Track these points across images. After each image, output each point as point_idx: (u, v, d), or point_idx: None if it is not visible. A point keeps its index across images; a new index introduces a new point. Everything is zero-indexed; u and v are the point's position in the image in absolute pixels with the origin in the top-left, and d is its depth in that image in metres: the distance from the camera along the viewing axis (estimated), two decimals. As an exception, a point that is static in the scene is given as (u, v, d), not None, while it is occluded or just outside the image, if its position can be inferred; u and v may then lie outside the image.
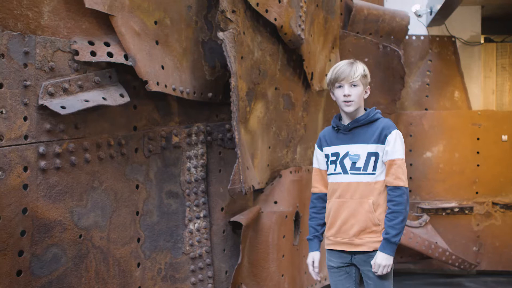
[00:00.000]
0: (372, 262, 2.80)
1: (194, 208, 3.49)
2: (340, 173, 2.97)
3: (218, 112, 3.77)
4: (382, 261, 2.76)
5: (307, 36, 4.43)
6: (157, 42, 3.15)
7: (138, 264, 3.09)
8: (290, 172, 4.56)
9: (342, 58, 5.53)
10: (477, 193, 6.36)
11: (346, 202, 2.93)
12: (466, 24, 6.39)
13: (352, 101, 2.91)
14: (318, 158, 3.14)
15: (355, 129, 2.95)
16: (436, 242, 5.78)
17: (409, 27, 5.92)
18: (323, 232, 3.09)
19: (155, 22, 3.15)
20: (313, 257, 3.08)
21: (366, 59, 5.64)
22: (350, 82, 2.91)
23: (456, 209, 6.25)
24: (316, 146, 3.16)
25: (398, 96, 5.78)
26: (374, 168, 2.88)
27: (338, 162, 2.98)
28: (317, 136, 5.36)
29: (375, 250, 2.82)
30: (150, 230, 3.20)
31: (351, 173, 2.93)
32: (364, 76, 2.95)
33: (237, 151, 3.34)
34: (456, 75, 6.37)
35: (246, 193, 3.45)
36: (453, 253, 5.85)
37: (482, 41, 6.55)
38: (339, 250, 2.95)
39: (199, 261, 3.49)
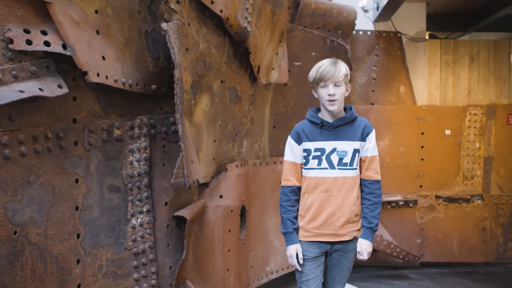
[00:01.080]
0: (358, 249, 3.10)
1: (137, 203, 3.41)
2: (326, 168, 3.11)
3: (162, 105, 3.70)
4: (368, 247, 3.10)
5: (253, 29, 4.39)
6: (97, 32, 3.05)
7: (78, 261, 2.99)
8: (236, 166, 4.52)
9: (289, 51, 5.54)
10: (421, 186, 6.49)
11: (333, 195, 3.11)
12: (411, 20, 6.49)
13: (336, 100, 3.05)
14: (295, 152, 3.22)
15: (340, 126, 3.12)
16: (382, 235, 5.87)
17: (356, 22, 5.96)
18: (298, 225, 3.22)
19: (96, 11, 3.04)
20: (297, 249, 3.16)
21: (313, 53, 5.66)
22: (334, 82, 3.05)
23: (401, 202, 6.36)
24: (292, 139, 3.24)
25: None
26: (357, 164, 3.14)
27: (324, 157, 3.11)
28: (264, 130, 5.39)
29: (354, 238, 3.14)
30: (91, 226, 3.10)
31: (338, 168, 3.10)
32: (346, 75, 3.09)
33: (181, 144, 3.28)
34: (402, 70, 6.46)
35: (190, 187, 3.40)
36: (398, 246, 5.95)
37: (427, 38, 6.65)
38: (321, 241, 3.13)
39: (142, 257, 3.41)
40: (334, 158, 3.10)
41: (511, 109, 6.57)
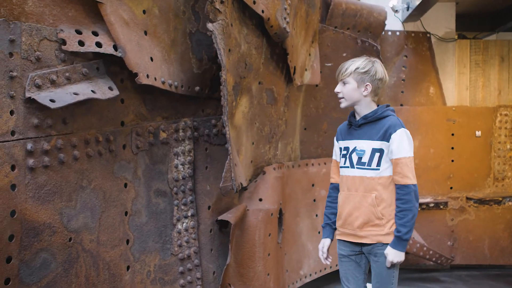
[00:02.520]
0: (387, 259, 2.95)
1: (182, 207, 3.34)
2: (348, 167, 3.13)
3: (204, 107, 3.62)
4: (394, 258, 2.93)
5: (291, 30, 4.31)
6: (145, 32, 2.98)
7: (128, 267, 2.92)
8: (274, 169, 4.45)
9: (321, 52, 5.45)
10: (451, 188, 6.39)
11: (351, 195, 3.09)
12: (440, 20, 6.40)
13: (342, 98, 3.14)
14: (335, 150, 3.32)
15: (364, 125, 3.09)
16: (413, 238, 5.77)
17: (386, 22, 5.87)
18: (335, 221, 3.25)
19: (144, 11, 2.97)
20: (324, 243, 3.28)
21: (344, 54, 5.57)
22: (340, 79, 3.13)
23: (431, 204, 6.27)
24: (335, 138, 3.34)
25: (376, 91, 5.72)
26: (379, 164, 3.01)
27: (347, 156, 3.14)
28: (296, 132, 5.32)
29: (378, 243, 3.00)
30: (139, 231, 3.03)
31: (357, 168, 3.08)
32: (360, 73, 3.05)
33: (228, 147, 3.20)
34: (431, 71, 6.37)
35: (237, 191, 3.33)
36: (430, 248, 5.86)
37: (456, 38, 6.56)
38: (347, 240, 3.13)
39: (187, 262, 3.34)
40: (354, 157, 3.10)
41: (542, 109, 6.47)
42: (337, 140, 3.29)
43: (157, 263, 3.15)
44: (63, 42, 2.52)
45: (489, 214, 6.43)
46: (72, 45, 2.55)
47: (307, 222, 5.27)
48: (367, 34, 5.78)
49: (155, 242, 3.14)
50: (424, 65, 6.38)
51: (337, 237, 3.22)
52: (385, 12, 5.82)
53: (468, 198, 6.38)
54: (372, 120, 3.06)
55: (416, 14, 5.98)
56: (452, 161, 6.38)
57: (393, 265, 2.99)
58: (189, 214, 3.37)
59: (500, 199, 6.42)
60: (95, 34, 2.66)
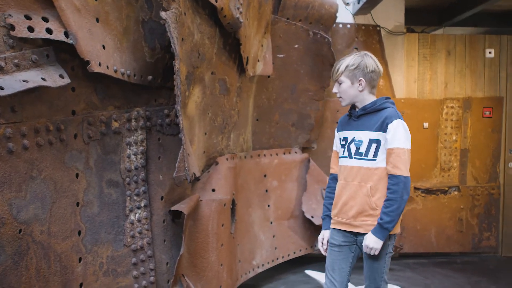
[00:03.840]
0: (363, 243, 3.03)
1: (135, 198, 3.30)
2: (346, 157, 3.20)
3: (157, 97, 3.58)
4: (370, 243, 2.98)
5: (244, 20, 4.30)
6: (97, 20, 2.91)
7: (80, 259, 2.86)
8: (227, 159, 4.45)
9: (273, 44, 5.47)
10: (399, 178, 6.51)
11: (348, 184, 3.16)
12: (390, 14, 6.50)
13: (340, 97, 3.22)
14: (336, 141, 3.39)
15: (362, 116, 3.16)
16: (363, 227, 5.88)
17: (337, 15, 5.92)
18: None
19: (95, -2, 2.91)
20: (323, 234, 3.35)
21: (296, 45, 5.61)
22: (335, 80, 3.21)
23: (380, 194, 6.38)
24: (335, 129, 3.40)
25: (327, 83, 5.79)
26: (375, 155, 3.05)
27: (346, 146, 3.21)
28: (248, 123, 5.33)
29: None
30: (91, 222, 2.97)
31: (354, 158, 3.14)
32: (350, 70, 3.13)
33: (182, 137, 3.18)
34: (381, 64, 6.44)
35: (191, 181, 3.30)
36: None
37: (405, 31, 6.69)
38: (341, 229, 3.19)
39: (140, 253, 3.30)
40: (352, 147, 3.17)
41: (486, 102, 6.68)
42: (337, 131, 3.36)
43: (109, 255, 3.10)
44: (12, 27, 2.43)
45: (435, 204, 6.60)
46: (21, 31, 2.46)
47: (259, 212, 5.30)
48: (318, 26, 5.82)
49: (108, 233, 3.09)
50: (373, 58, 6.47)
51: (331, 225, 3.28)
52: (337, 5, 5.87)
53: (416, 188, 6.54)
54: (370, 111, 3.12)
55: (366, 7, 6.05)
56: (400, 152, 6.50)
57: (379, 258, 3.05)
58: (142, 204, 3.33)
59: (446, 188, 6.60)
60: (45, 20, 2.58)
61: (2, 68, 2.36)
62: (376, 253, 3.00)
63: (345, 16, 6.40)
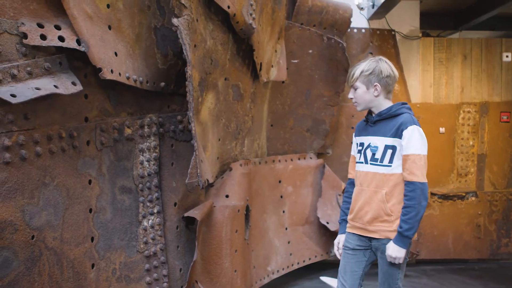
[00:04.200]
0: (386, 253, 3.00)
1: (148, 204, 3.31)
2: (362, 163, 3.22)
3: (169, 103, 3.60)
4: (393, 253, 2.96)
5: (257, 26, 4.31)
6: (109, 27, 2.93)
7: (93, 265, 2.87)
8: (240, 165, 4.44)
9: (287, 49, 5.47)
10: (416, 184, 6.45)
11: (363, 190, 3.17)
12: (405, 18, 6.47)
13: (355, 102, 3.23)
14: (353, 146, 3.40)
15: (378, 122, 3.17)
16: (379, 233, 5.83)
17: (351, 19, 5.91)
18: None
19: (108, 6, 2.93)
20: (339, 239, 3.37)
21: (310, 51, 5.60)
22: (351, 85, 3.22)
23: (396, 200, 6.33)
24: (353, 134, 3.43)
25: (342, 88, 5.78)
26: (391, 161, 3.05)
27: (362, 152, 3.23)
28: (262, 129, 5.33)
29: (386, 238, 3.04)
30: (104, 228, 2.99)
31: (370, 164, 3.15)
32: (365, 76, 3.14)
33: (194, 143, 3.18)
34: (396, 68, 6.42)
35: (203, 187, 3.30)
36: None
37: (420, 36, 6.65)
38: (356, 234, 3.20)
39: (153, 260, 3.31)
40: (368, 153, 3.18)
41: (503, 106, 6.61)
42: (355, 136, 3.38)
43: (122, 261, 3.11)
44: (24, 35, 2.46)
45: (452, 209, 6.54)
46: (34, 39, 2.49)
47: (274, 218, 5.29)
48: (333, 31, 5.81)
49: (121, 240, 3.10)
50: (388, 62, 6.44)
51: (347, 229, 3.30)
52: (351, 10, 5.86)
53: (432, 194, 6.48)
54: (386, 117, 3.12)
55: (381, 11, 6.03)
56: (417, 157, 6.44)
57: (398, 263, 2.99)
58: (155, 211, 3.34)
59: (463, 194, 6.54)
60: (58, 28, 2.60)
61: (15, 76, 2.38)
62: (401, 261, 2.98)
63: (359, 21, 6.39)
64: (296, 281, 5.72)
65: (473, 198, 6.57)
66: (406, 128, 3.00)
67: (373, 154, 3.13)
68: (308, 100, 5.75)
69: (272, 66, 5.13)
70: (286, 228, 5.43)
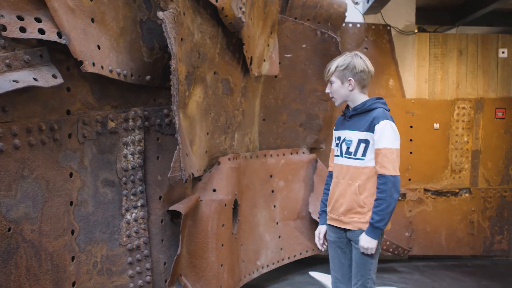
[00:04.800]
0: (359, 243, 3.11)
1: (131, 197, 3.31)
2: (338, 156, 3.33)
3: (156, 96, 3.59)
4: (365, 243, 3.07)
5: (247, 20, 4.29)
6: (92, 20, 2.93)
7: (73, 258, 2.88)
8: (229, 159, 4.44)
9: (280, 43, 5.45)
10: (409, 180, 6.45)
11: (339, 182, 3.28)
12: (401, 13, 6.44)
13: (332, 97, 3.33)
14: (333, 140, 3.48)
15: (354, 116, 3.26)
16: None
17: (346, 14, 5.88)
18: None
19: (91, -1, 2.92)
20: (320, 229, 3.47)
21: (304, 45, 5.58)
22: (327, 80, 3.34)
23: (389, 196, 6.30)
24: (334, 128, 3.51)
25: (335, 83, 5.74)
26: (364, 154, 3.15)
27: (339, 145, 3.33)
28: (254, 123, 5.32)
29: (359, 230, 3.16)
30: (85, 221, 2.99)
31: (345, 157, 3.26)
32: (340, 70, 3.25)
33: (178, 137, 3.18)
34: (391, 64, 6.41)
35: (187, 181, 3.30)
36: (387, 239, 5.93)
37: (416, 31, 6.61)
38: (333, 225, 3.32)
39: (136, 253, 3.31)
40: (343, 147, 3.28)
41: (499, 103, 6.57)
42: (334, 130, 3.47)
43: (104, 254, 3.11)
44: (3, 28, 2.46)
45: (446, 206, 6.52)
46: (13, 32, 2.49)
47: (264, 213, 5.29)
48: (327, 26, 5.78)
49: (102, 233, 3.10)
50: (384, 58, 6.41)
51: (328, 221, 3.41)
52: (345, 4, 5.83)
53: (426, 190, 6.47)
54: (361, 111, 3.21)
55: (376, 6, 6.00)
56: (411, 153, 6.44)
57: (371, 253, 3.10)
58: (139, 204, 3.34)
59: (457, 190, 6.52)
60: (38, 20, 2.60)
61: (-8, 68, 2.38)
62: (373, 252, 3.08)
63: (355, 15, 6.36)
64: (287, 275, 5.72)
65: (467, 195, 6.54)
66: (378, 122, 3.08)
67: (348, 148, 3.24)
68: (301, 94, 5.73)
69: (264, 60, 5.12)
70: (277, 223, 5.43)
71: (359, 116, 3.22)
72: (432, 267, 6.26)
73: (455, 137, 6.51)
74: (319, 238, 3.47)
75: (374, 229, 3.05)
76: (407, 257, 6.43)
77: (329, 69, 3.30)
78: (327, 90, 3.37)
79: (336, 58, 3.36)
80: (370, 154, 3.13)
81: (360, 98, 3.26)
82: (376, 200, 3.06)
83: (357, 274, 3.18)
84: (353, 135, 3.21)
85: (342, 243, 3.32)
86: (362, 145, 3.15)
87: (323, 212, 3.47)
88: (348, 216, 3.21)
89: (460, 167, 6.55)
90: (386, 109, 3.21)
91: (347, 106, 3.36)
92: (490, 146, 6.58)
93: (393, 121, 3.14)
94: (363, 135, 3.15)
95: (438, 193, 6.48)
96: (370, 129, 3.11)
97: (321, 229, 3.46)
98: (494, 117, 6.56)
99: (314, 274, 5.14)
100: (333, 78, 3.28)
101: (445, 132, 6.50)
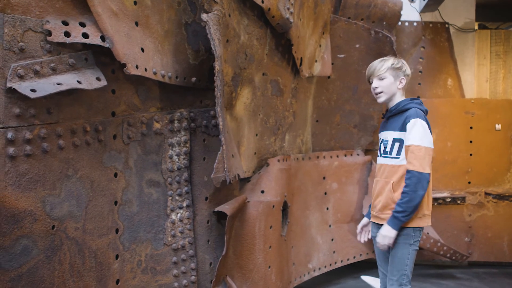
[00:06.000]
0: (378, 232, 3.28)
1: (177, 198, 3.35)
2: (379, 156, 3.50)
3: (202, 98, 3.62)
4: (383, 231, 3.24)
5: (296, 20, 4.27)
6: (136, 23, 2.99)
7: (117, 256, 2.95)
8: (278, 161, 4.43)
9: (332, 44, 5.40)
10: (469, 183, 6.23)
11: (378, 181, 3.44)
12: (460, 10, 6.24)
13: (381, 92, 3.39)
14: None
15: (390, 117, 3.42)
16: (428, 233, 5.67)
17: (402, 12, 5.76)
18: None
19: (135, 2, 2.99)
20: (362, 221, 3.73)
21: (357, 45, 5.50)
22: (377, 76, 3.39)
23: (448, 199, 6.12)
24: None
25: (390, 83, 5.63)
26: (398, 153, 3.28)
27: (379, 146, 3.50)
28: (307, 124, 5.29)
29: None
30: (130, 221, 3.06)
31: (383, 156, 3.42)
32: (394, 68, 3.36)
33: (221, 138, 3.20)
34: (449, 63, 6.22)
35: (231, 182, 3.31)
36: (445, 244, 5.74)
37: (476, 28, 6.39)
38: (374, 222, 3.48)
39: (181, 253, 3.35)
40: (382, 147, 3.44)
41: None
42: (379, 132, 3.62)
43: (148, 253, 3.17)
44: (49, 33, 2.54)
45: (508, 210, 6.25)
46: (58, 36, 2.57)
47: (317, 215, 5.24)
48: (382, 25, 5.68)
49: (147, 232, 3.16)
50: (442, 57, 6.23)
51: (371, 219, 3.57)
52: (401, 2, 5.70)
53: (486, 193, 6.22)
54: (396, 112, 3.35)
55: (433, 3, 5.84)
56: (471, 155, 6.22)
57: (402, 255, 3.23)
58: (184, 204, 3.38)
59: (521, 194, 6.24)
60: (82, 25, 2.68)
61: (37, 72, 2.47)
62: (390, 242, 3.21)
63: (411, 13, 6.22)
64: (339, 279, 5.64)
65: (531, 199, 6.26)
66: (409, 121, 3.21)
67: (385, 147, 3.40)
68: (355, 95, 5.65)
69: (315, 61, 5.08)
70: (330, 225, 5.37)
71: (394, 117, 3.37)
72: (492, 274, 6.00)
73: (518, 138, 6.25)
74: (359, 230, 3.72)
75: (394, 219, 3.18)
76: (466, 263, 6.20)
77: (382, 65, 3.39)
78: (375, 85, 3.42)
79: (382, 59, 3.46)
80: (404, 153, 3.24)
81: (400, 98, 3.40)
82: (402, 193, 3.18)
83: (393, 270, 3.29)
84: (389, 135, 3.37)
85: None
86: (397, 144, 3.29)
87: (369, 206, 3.63)
88: (385, 213, 3.32)
89: (523, 170, 6.27)
90: (421, 109, 3.29)
91: (387, 109, 3.48)
92: (556, 147, 6.27)
93: (426, 121, 3.24)
94: (397, 134, 3.29)
95: (500, 197, 6.22)
96: (403, 128, 3.24)
97: (363, 221, 3.69)
98: (560, 117, 6.24)
99: (366, 278, 5.06)
100: (387, 74, 3.37)
101: (507, 133, 6.24)
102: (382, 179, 3.39)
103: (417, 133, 3.17)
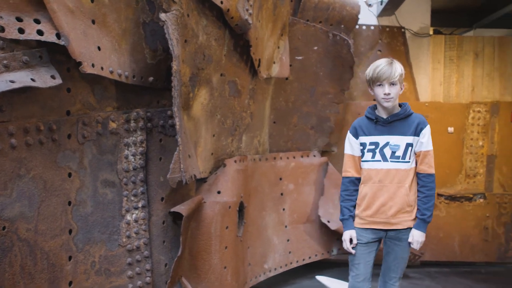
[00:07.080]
0: (410, 239, 3.36)
1: (132, 198, 3.32)
2: (379, 161, 3.42)
3: (159, 98, 3.60)
4: (419, 238, 3.35)
5: (255, 21, 4.29)
6: (93, 22, 2.95)
7: (70, 258, 2.90)
8: (235, 161, 4.43)
9: (291, 45, 5.43)
10: (422, 184, 6.36)
11: (385, 186, 3.40)
12: (416, 15, 6.38)
13: (392, 98, 3.35)
14: (353, 146, 3.56)
15: (394, 122, 3.40)
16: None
17: (360, 16, 5.85)
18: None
19: (92, 0, 2.94)
20: (351, 234, 3.52)
21: (315, 48, 5.56)
22: (390, 81, 3.34)
23: (401, 200, 6.23)
24: (350, 134, 3.58)
25: (347, 85, 5.72)
26: (410, 157, 3.36)
27: (377, 151, 3.43)
28: (264, 125, 5.31)
29: (408, 227, 3.37)
30: (84, 221, 3.01)
31: (391, 161, 3.38)
32: (401, 75, 3.39)
33: (178, 138, 3.18)
34: (405, 66, 6.26)
35: (187, 183, 3.30)
36: (398, 244, 5.85)
37: (431, 33, 6.54)
38: (374, 228, 3.44)
39: (136, 254, 3.32)
40: (387, 151, 3.39)
41: (515, 107, 6.46)
42: (357, 136, 3.53)
43: (102, 254, 3.13)
44: (2, 29, 2.48)
45: (459, 211, 6.44)
46: (11, 33, 2.51)
47: (273, 216, 5.27)
48: (340, 28, 5.75)
49: (101, 233, 3.12)
50: (398, 60, 6.31)
51: (363, 225, 3.49)
52: (359, 6, 5.79)
53: (439, 195, 6.38)
54: (402, 117, 3.39)
55: (390, 8, 5.96)
56: (424, 157, 6.35)
57: (407, 252, 3.45)
58: (140, 205, 3.35)
59: (471, 196, 6.43)
60: (37, 22, 2.62)
61: (-11, 68, 2.41)
62: (421, 245, 3.39)
63: (369, 17, 6.32)
64: (295, 279, 5.69)
65: (481, 200, 6.45)
66: (425, 127, 3.36)
67: (393, 152, 3.37)
68: (312, 97, 5.70)
69: (274, 63, 5.11)
70: (286, 226, 5.41)
71: (400, 121, 3.39)
72: (444, 274, 6.17)
73: (469, 141, 6.43)
74: (351, 243, 3.52)
75: (425, 224, 3.34)
76: (419, 262, 6.34)
77: (395, 71, 3.35)
78: (386, 91, 3.33)
79: (393, 60, 3.42)
80: (412, 156, 3.36)
81: (396, 103, 3.43)
82: (425, 197, 3.32)
83: (398, 269, 3.47)
84: (399, 140, 3.36)
85: (374, 244, 3.49)
86: (409, 149, 3.34)
87: (350, 217, 3.55)
88: (398, 217, 3.37)
89: (474, 172, 6.46)
90: None
91: (375, 112, 3.47)
92: (506, 150, 6.47)
93: None
94: (410, 139, 3.34)
95: (452, 198, 6.39)
96: (416, 133, 3.33)
97: (352, 234, 3.52)
98: (510, 121, 6.45)
99: (321, 278, 5.11)
100: (397, 81, 3.37)
101: (459, 136, 6.42)
102: (392, 184, 3.37)
103: (430, 138, 3.36)
